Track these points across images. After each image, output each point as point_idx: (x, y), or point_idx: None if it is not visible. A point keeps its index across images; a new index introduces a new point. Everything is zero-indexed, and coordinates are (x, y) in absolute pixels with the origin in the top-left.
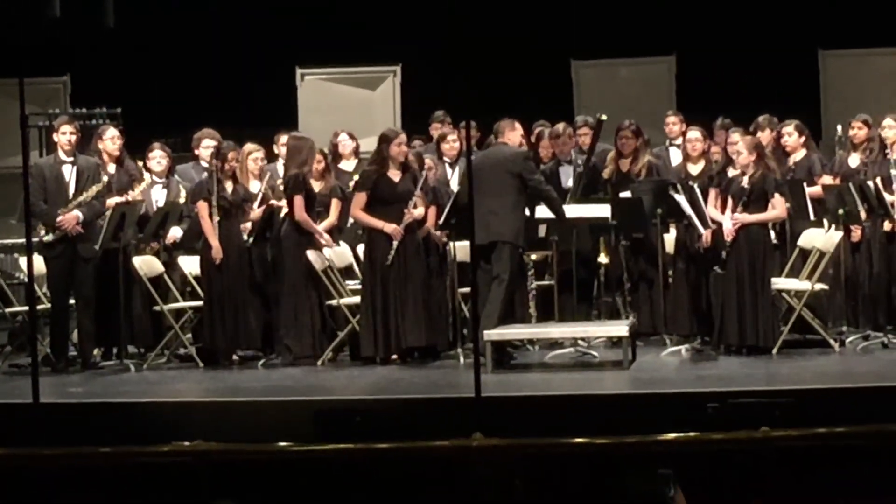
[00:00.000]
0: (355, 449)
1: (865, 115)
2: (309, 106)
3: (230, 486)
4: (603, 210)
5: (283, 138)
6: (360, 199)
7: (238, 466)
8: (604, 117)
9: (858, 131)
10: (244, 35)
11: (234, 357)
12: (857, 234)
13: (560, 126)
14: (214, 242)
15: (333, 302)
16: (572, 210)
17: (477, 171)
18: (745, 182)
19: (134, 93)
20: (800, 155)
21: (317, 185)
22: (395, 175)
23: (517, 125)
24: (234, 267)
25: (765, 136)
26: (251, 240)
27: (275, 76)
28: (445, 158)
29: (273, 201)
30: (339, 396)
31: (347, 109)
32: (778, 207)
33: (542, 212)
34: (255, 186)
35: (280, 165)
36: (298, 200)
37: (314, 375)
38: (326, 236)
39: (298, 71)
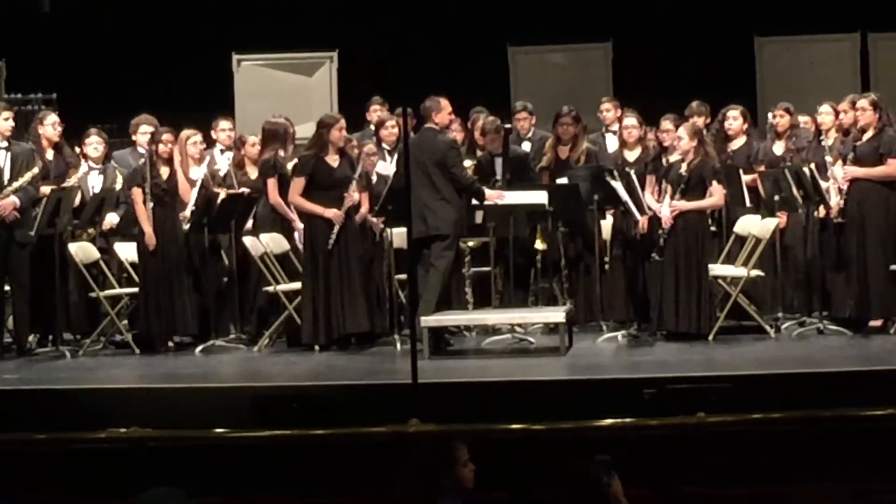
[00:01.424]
0: (293, 435)
1: (788, 104)
2: (245, 92)
3: (167, 473)
4: (539, 196)
5: (222, 123)
6: (299, 184)
7: (175, 453)
8: (508, 126)
9: (781, 119)
10: (181, 20)
11: (171, 343)
12: (782, 220)
13: (489, 122)
14: (147, 229)
15: (270, 288)
16: (509, 197)
17: (410, 158)
18: (683, 169)
19: (70, 78)
20: (740, 141)
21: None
22: (333, 160)
23: (443, 103)
24: (170, 253)
25: (698, 123)
26: (188, 226)
27: (211, 62)
28: (384, 145)
29: (230, 189)
30: (277, 383)
31: (284, 95)
32: (716, 195)
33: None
34: (195, 172)
35: (217, 151)
36: (272, 183)
37: (251, 362)
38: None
39: (235, 56)
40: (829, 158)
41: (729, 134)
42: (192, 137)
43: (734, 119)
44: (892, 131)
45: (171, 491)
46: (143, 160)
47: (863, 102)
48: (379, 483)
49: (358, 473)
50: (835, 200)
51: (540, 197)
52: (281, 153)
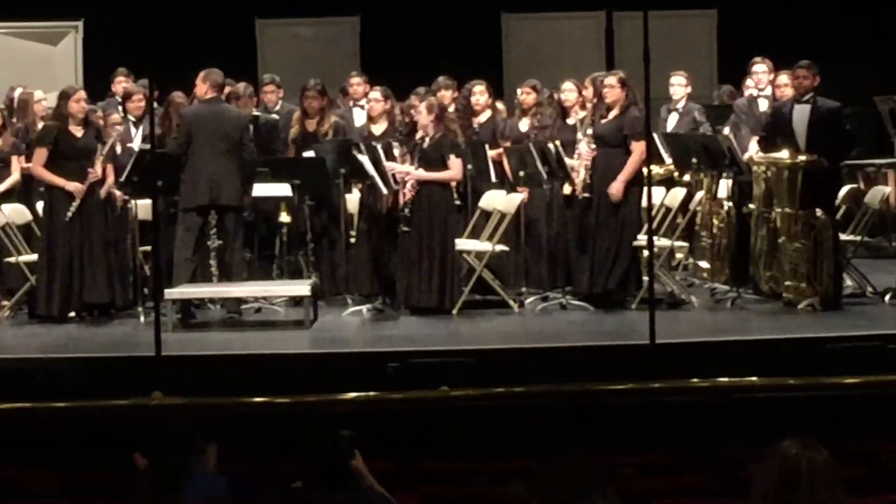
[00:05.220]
0: (34, 408)
1: (535, 81)
2: None
3: None
4: (284, 189)
5: None
6: (41, 154)
7: None
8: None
9: (527, 97)
10: None
11: None
12: (524, 195)
13: (240, 86)
14: None
15: (12, 259)
16: (254, 189)
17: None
18: (425, 144)
19: None
20: (485, 116)
21: None
22: (76, 131)
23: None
24: None
25: (446, 97)
26: None
27: None
28: (130, 116)
29: None
30: (18, 355)
31: (27, 64)
32: (454, 168)
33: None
34: None
35: None
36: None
37: None
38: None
39: None
40: (580, 135)
41: (475, 109)
42: None
43: (479, 94)
44: (636, 111)
45: None
46: None
47: (611, 80)
48: (123, 457)
49: (101, 447)
50: (583, 176)
51: (284, 189)
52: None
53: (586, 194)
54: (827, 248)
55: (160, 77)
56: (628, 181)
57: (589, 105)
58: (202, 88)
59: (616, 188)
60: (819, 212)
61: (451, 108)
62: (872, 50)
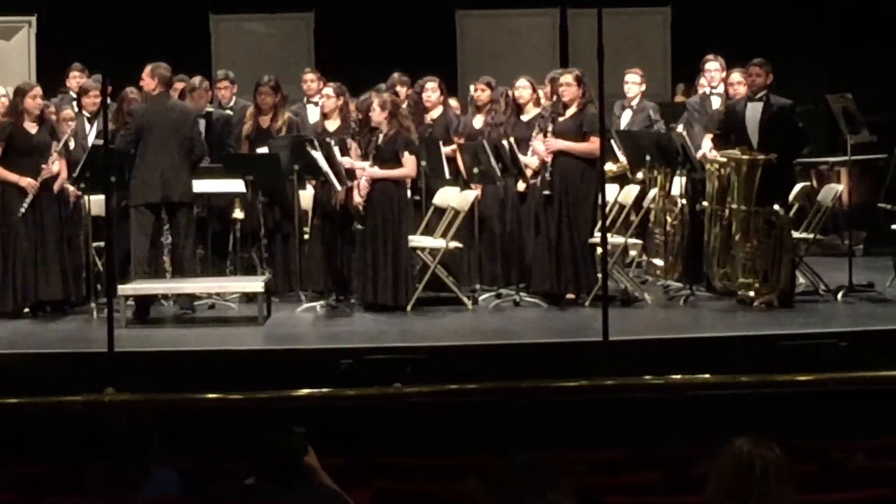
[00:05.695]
0: None
1: (489, 78)
2: None
3: None
4: (237, 185)
5: None
6: None
7: None
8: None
9: (482, 93)
10: None
11: None
12: (477, 192)
13: (196, 80)
14: None
15: None
16: (207, 185)
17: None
18: (380, 140)
19: None
20: (437, 112)
21: None
22: (31, 127)
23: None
24: None
25: (400, 93)
26: None
27: None
28: (85, 112)
29: None
30: None
31: None
32: (407, 165)
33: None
34: None
35: None
36: None
37: None
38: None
39: None
40: (535, 133)
41: (427, 105)
42: None
43: (431, 90)
44: (593, 108)
45: None
46: None
47: (567, 78)
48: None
49: (54, 443)
50: (540, 174)
51: (237, 185)
52: None
53: (547, 192)
54: (787, 245)
55: (114, 72)
56: (570, 152)
57: (545, 102)
58: (150, 84)
59: (554, 142)
60: (779, 209)
61: (405, 105)
62: (826, 48)
